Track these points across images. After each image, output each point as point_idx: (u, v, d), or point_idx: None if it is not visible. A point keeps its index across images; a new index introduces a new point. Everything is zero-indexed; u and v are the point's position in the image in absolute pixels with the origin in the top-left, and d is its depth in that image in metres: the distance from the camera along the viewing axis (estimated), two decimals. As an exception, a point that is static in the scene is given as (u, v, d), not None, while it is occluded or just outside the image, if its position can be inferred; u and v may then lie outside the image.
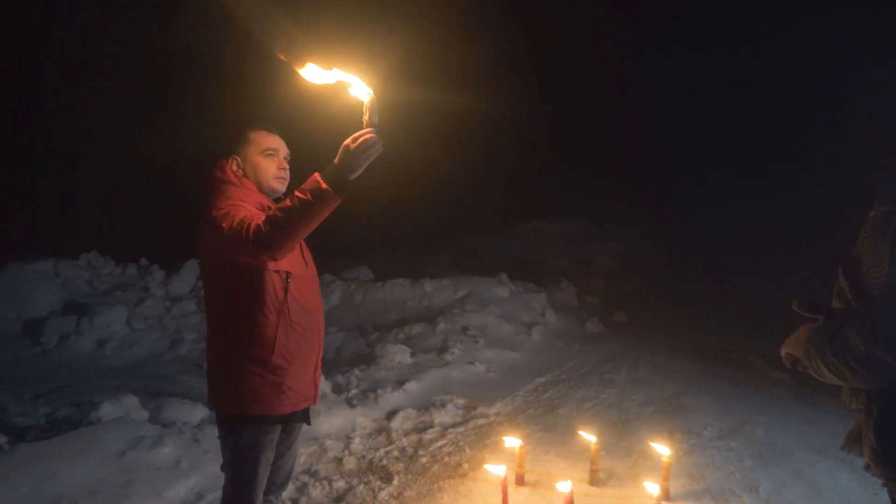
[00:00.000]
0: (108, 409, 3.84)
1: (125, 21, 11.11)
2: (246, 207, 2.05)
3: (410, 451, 4.14)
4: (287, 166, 2.28)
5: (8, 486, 2.89)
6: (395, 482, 3.68)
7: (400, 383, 5.21)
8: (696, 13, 19.93)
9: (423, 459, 4.02)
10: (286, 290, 2.12)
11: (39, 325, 6.76)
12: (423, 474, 3.80)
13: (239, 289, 2.07)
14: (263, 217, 1.89)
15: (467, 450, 4.15)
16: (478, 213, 17.34)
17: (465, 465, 3.89)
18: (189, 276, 8.42)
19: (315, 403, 2.36)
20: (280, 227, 1.84)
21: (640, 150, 19.24)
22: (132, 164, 12.83)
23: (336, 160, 1.81)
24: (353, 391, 4.96)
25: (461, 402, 4.98)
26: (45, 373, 6.08)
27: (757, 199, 15.96)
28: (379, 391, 4.95)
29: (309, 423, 2.42)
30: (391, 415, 4.64)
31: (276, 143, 2.25)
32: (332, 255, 12.07)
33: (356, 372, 5.37)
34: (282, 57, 1.86)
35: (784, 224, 13.72)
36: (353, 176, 1.82)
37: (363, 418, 4.52)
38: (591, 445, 3.67)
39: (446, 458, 4.03)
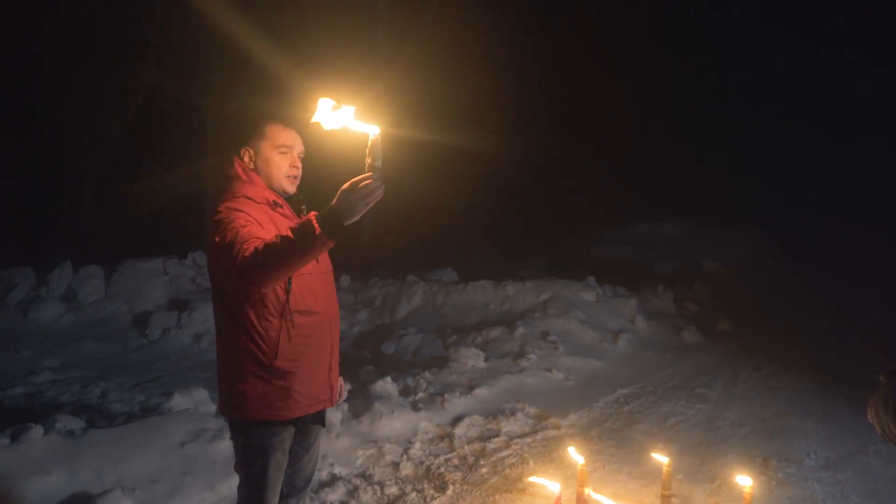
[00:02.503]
0: (178, 401, 4.00)
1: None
2: (246, 214, 1.98)
3: (471, 460, 3.97)
4: (300, 164, 2.21)
5: (74, 469, 3.05)
6: (450, 492, 3.53)
7: (470, 388, 5.05)
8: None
9: (483, 470, 3.83)
10: (288, 291, 2.03)
11: (146, 318, 7.31)
12: (480, 486, 3.62)
13: (240, 289, 2.00)
14: (252, 247, 1.81)
15: (531, 462, 3.91)
16: (582, 214, 16.77)
17: (526, 480, 3.66)
18: (283, 275, 8.75)
19: (332, 405, 2.26)
20: (267, 265, 1.78)
21: (759, 152, 17.78)
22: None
23: (333, 203, 1.73)
24: (421, 394, 4.86)
25: (532, 411, 4.73)
26: (147, 363, 6.54)
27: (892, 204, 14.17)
28: (447, 395, 4.81)
29: (324, 426, 2.34)
30: (456, 421, 4.49)
31: (291, 139, 2.17)
32: (422, 255, 12.20)
33: (427, 375, 5.27)
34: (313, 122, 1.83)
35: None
36: (349, 222, 1.73)
37: (427, 423, 4.40)
38: (664, 467, 3.31)
39: (507, 471, 3.81)
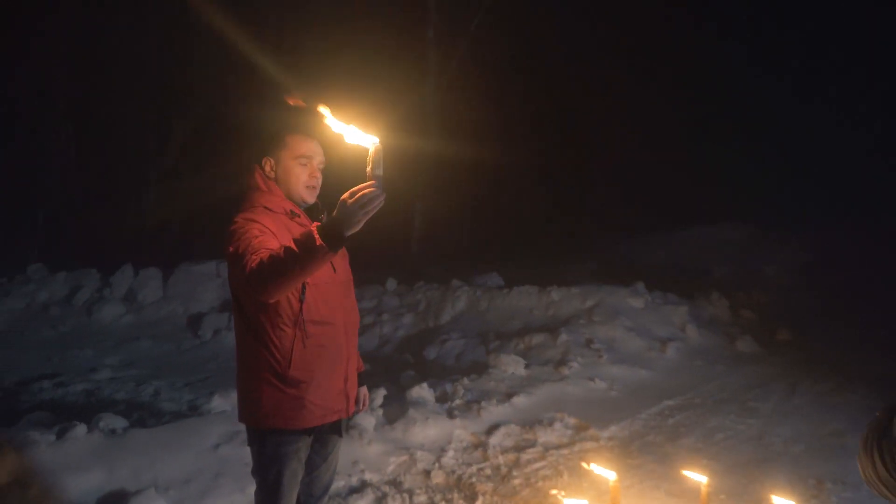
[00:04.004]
0: (217, 402, 4.10)
1: None
2: (260, 225, 1.99)
3: (504, 470, 3.89)
4: (319, 175, 2.21)
5: (111, 468, 3.17)
6: (479, 503, 3.47)
7: (508, 396, 4.96)
8: None
9: (516, 481, 3.75)
10: (301, 300, 2.03)
11: (199, 319, 7.56)
12: (511, 497, 3.54)
13: (253, 299, 2.02)
14: (258, 258, 1.83)
15: (565, 475, 3.80)
16: (635, 215, 16.32)
17: (559, 493, 3.56)
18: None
19: (347, 416, 2.25)
20: (271, 276, 1.79)
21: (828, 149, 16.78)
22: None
23: (334, 214, 1.72)
24: (457, 401, 4.81)
25: (572, 421, 4.60)
26: (198, 363, 6.77)
27: None
28: (483, 403, 4.74)
29: (341, 436, 2.32)
30: (492, 429, 4.41)
31: (310, 149, 2.18)
32: (471, 258, 12.14)
33: (465, 381, 5.22)
34: (291, 101, 1.84)
35: None
36: (350, 232, 1.70)
37: (462, 431, 4.35)
38: (702, 487, 3.14)
39: (540, 483, 3.72)
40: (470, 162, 15.15)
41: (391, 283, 8.50)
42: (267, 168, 2.18)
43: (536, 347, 6.03)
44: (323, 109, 1.69)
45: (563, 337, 6.04)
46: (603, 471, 3.23)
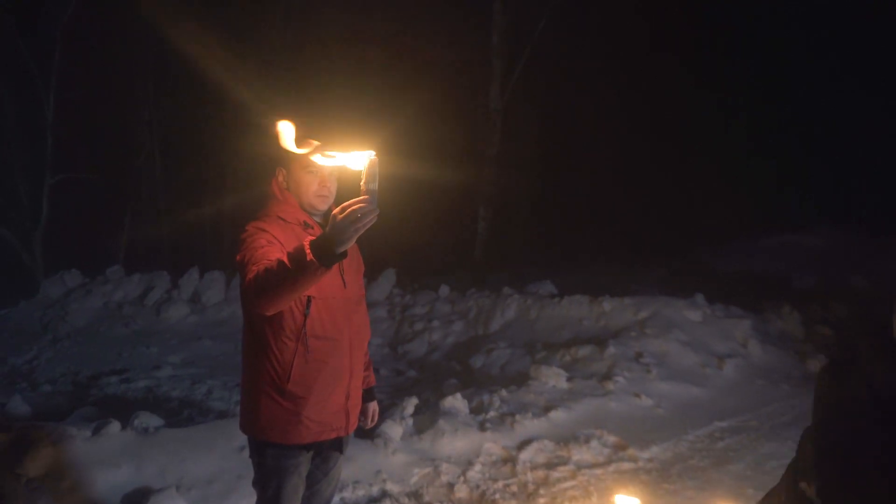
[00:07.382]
0: (249, 405, 4.18)
1: None
2: (269, 235, 1.98)
3: (531, 487, 3.76)
4: (329, 184, 2.14)
5: (139, 464, 3.30)
6: (498, 521, 3.37)
7: (545, 410, 4.80)
8: None
9: (542, 500, 3.61)
10: (305, 315, 2.01)
11: (257, 321, 7.83)
12: (533, 518, 3.41)
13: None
14: (255, 270, 1.80)
15: (594, 497, 3.63)
16: (715, 221, 15.52)
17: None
18: (386, 283, 8.99)
19: (347, 434, 2.21)
20: (265, 290, 1.76)
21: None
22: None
23: (327, 229, 1.66)
24: (492, 413, 4.70)
25: (611, 439, 4.40)
26: (252, 364, 7.01)
27: None
28: (518, 416, 4.61)
29: (342, 453, 2.28)
30: (524, 444, 4.28)
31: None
32: (535, 264, 11.92)
33: (503, 392, 5.09)
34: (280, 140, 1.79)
35: None
36: (342, 248, 1.63)
37: (492, 444, 4.24)
38: (735, 521, 2.90)
39: (566, 503, 3.56)
40: (537, 165, 14.93)
41: (444, 290, 8.48)
42: (280, 178, 2.16)
43: (582, 360, 5.82)
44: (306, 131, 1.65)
45: (611, 350, 5.79)
46: (626, 498, 3.05)
